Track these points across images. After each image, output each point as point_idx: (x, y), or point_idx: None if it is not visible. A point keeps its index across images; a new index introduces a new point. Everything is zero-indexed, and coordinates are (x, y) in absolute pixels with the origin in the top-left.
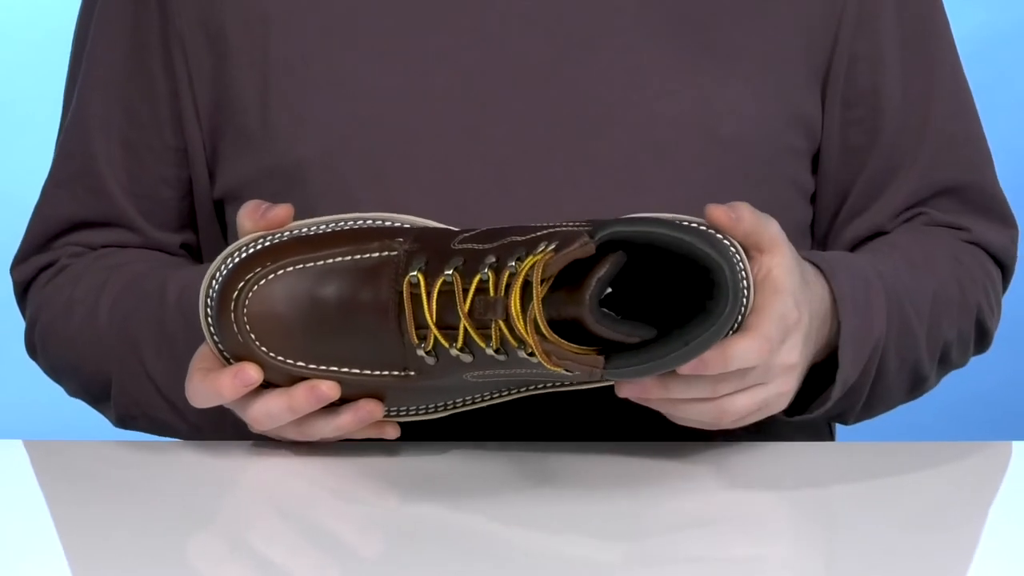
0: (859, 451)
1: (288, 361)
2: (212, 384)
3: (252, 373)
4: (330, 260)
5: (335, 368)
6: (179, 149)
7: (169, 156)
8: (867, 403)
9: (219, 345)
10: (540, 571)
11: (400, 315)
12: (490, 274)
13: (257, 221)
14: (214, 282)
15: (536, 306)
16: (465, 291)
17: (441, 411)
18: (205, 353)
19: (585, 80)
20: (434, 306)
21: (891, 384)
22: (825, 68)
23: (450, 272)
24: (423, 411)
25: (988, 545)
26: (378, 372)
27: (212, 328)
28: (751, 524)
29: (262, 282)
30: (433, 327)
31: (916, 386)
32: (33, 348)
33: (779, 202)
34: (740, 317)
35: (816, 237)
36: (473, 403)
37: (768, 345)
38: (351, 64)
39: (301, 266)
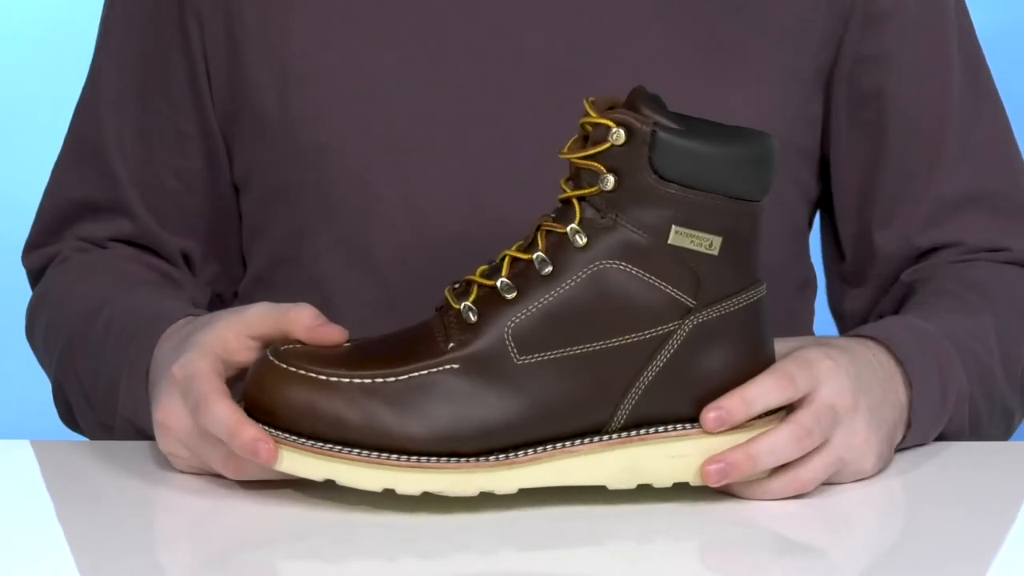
0: None
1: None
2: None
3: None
4: None
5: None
6: (191, 138)
7: (181, 145)
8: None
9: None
10: (562, 566)
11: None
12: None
13: (310, 333)
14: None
15: None
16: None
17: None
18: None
19: (603, 74)
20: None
21: (985, 429)
22: (829, 68)
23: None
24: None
25: (1010, 546)
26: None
27: None
28: (750, 522)
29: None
30: (478, 276)
31: (1008, 422)
32: (27, 331)
33: (781, 201)
34: None
35: (842, 243)
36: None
37: (787, 380)
38: (370, 50)
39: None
